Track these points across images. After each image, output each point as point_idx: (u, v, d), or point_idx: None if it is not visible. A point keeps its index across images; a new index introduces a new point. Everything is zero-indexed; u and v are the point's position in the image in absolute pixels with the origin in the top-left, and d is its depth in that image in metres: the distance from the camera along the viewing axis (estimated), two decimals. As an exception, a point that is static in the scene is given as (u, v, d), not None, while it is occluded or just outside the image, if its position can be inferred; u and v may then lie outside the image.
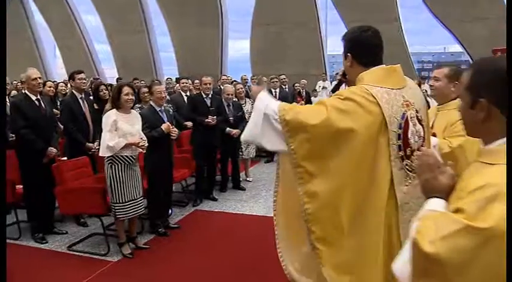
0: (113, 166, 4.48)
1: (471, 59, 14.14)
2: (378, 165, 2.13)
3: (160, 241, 5.07)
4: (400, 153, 2.15)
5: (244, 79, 11.75)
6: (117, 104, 4.58)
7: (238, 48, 27.55)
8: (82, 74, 5.71)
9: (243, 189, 7.33)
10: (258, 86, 2.44)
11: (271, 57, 16.28)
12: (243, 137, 2.35)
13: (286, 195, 2.36)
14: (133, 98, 4.66)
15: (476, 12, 13.59)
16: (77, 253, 4.77)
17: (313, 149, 2.11)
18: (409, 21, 14.81)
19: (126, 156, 4.50)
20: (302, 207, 2.17)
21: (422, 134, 2.26)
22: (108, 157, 4.47)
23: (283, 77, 10.45)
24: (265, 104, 2.23)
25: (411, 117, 2.20)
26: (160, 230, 5.23)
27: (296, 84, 11.27)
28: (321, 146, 2.11)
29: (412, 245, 1.33)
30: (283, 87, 10.17)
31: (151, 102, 5.25)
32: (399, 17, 14.78)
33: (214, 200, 6.70)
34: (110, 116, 4.50)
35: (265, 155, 9.78)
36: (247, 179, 7.90)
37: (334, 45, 24.89)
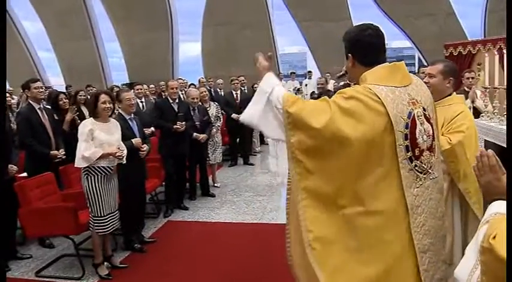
0: (89, 178, 4.16)
1: (421, 54, 14.55)
2: (382, 168, 2.02)
3: (137, 258, 4.75)
4: (408, 154, 2.07)
5: (202, 82, 11.51)
6: (94, 113, 4.28)
7: (186, 51, 27.19)
8: (38, 83, 5.30)
9: (213, 195, 7.13)
10: (266, 61, 2.31)
11: (223, 58, 16.14)
12: (241, 117, 2.30)
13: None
14: (112, 106, 4.34)
15: (424, 9, 14.00)
16: (47, 279, 4.36)
17: (313, 146, 2.04)
18: (354, 19, 15.03)
19: (103, 167, 4.19)
20: (299, 203, 2.10)
21: (431, 132, 2.19)
22: (84, 168, 4.15)
23: (242, 78, 10.28)
24: (271, 87, 2.18)
25: (418, 116, 2.12)
26: (136, 245, 4.91)
27: (255, 86, 11.13)
28: (322, 145, 2.03)
29: (483, 251, 1.25)
30: (243, 88, 9.99)
31: (120, 111, 4.91)
32: (350, 16, 14.98)
33: (186, 209, 6.45)
34: (86, 125, 4.20)
35: (229, 159, 9.61)
36: (215, 184, 7.71)
37: (283, 45, 25.09)
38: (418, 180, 2.09)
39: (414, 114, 2.09)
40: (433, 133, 2.20)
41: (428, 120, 2.17)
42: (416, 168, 2.09)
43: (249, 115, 2.25)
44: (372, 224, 2.02)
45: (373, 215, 2.02)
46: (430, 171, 2.15)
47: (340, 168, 2.01)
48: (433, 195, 2.17)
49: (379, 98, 2.00)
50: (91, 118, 4.30)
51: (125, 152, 4.38)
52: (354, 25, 2.33)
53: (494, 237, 1.23)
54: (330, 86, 10.62)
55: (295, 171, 2.09)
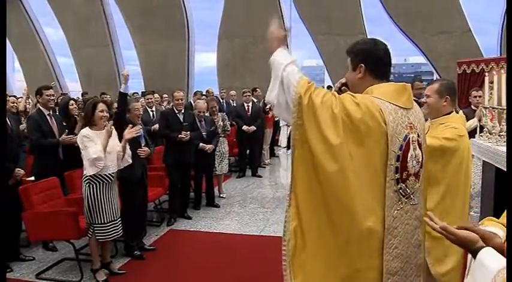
0: (91, 186, 4.24)
1: (436, 71, 14.46)
2: (369, 184, 2.03)
3: (136, 265, 4.82)
4: (397, 175, 2.07)
5: (211, 92, 11.60)
6: (90, 121, 4.36)
7: (201, 61, 27.46)
8: (50, 91, 5.47)
9: (217, 206, 7.17)
10: (279, 31, 2.19)
11: (239, 70, 16.24)
12: (266, 99, 2.18)
13: None
14: (108, 115, 4.45)
15: (440, 26, 13.96)
16: (47, 281, 4.47)
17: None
18: (369, 34, 15.03)
19: (105, 174, 4.27)
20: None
21: (420, 159, 2.19)
22: (86, 176, 4.23)
23: (259, 92, 10.42)
24: (284, 64, 2.08)
25: (413, 141, 2.13)
26: (135, 252, 4.98)
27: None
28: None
29: None
30: (255, 101, 9.98)
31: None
32: (365, 30, 15.00)
33: (189, 218, 6.49)
34: (84, 134, 4.27)
35: (237, 170, 9.66)
36: (221, 195, 7.75)
37: (301, 58, 25.22)
38: (399, 203, 2.10)
39: (409, 138, 2.11)
40: (422, 161, 2.21)
41: (420, 147, 2.19)
42: (400, 190, 2.09)
43: (269, 91, 2.13)
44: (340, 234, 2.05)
45: (347, 228, 2.03)
46: (412, 196, 2.15)
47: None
48: (411, 221, 2.16)
49: (383, 114, 2.01)
50: (86, 128, 4.35)
51: (129, 151, 4.50)
52: (367, 38, 2.33)
53: None
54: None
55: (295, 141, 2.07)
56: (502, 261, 1.37)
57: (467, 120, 5.72)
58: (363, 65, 2.17)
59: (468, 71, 10.21)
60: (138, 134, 4.49)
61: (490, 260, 1.40)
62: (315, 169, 2.02)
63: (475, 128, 5.29)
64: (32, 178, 5.24)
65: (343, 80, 2.41)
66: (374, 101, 2.03)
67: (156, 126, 6.80)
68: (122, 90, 4.96)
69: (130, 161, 4.56)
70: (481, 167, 4.19)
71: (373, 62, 2.18)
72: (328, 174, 1.99)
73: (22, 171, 4.80)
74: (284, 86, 2.05)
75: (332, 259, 2.05)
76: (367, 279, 2.06)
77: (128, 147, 4.51)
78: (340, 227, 2.03)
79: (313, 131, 1.98)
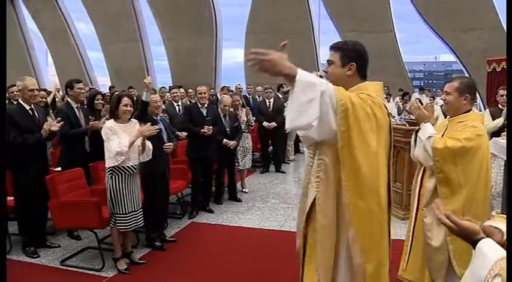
0: (114, 176, 4.34)
1: (465, 69, 14.17)
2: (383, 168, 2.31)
3: (156, 255, 4.92)
4: (391, 162, 2.41)
5: (239, 88, 11.63)
6: (115, 114, 4.46)
7: (229, 57, 27.68)
8: (81, 84, 5.60)
9: (239, 200, 7.22)
10: (276, 54, 2.15)
11: (265, 66, 16.22)
12: (288, 125, 2.10)
13: None
14: (132, 109, 4.52)
15: (470, 23, 13.66)
16: (70, 268, 4.60)
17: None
18: (399, 31, 14.86)
19: (127, 166, 4.37)
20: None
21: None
22: (108, 168, 4.34)
23: (285, 87, 10.30)
24: (316, 82, 2.06)
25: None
26: (156, 243, 5.08)
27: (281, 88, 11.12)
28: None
29: None
30: (280, 97, 9.95)
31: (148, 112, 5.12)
32: (394, 28, 14.82)
33: (211, 212, 6.57)
34: (108, 126, 4.37)
35: (260, 166, 9.70)
36: (243, 190, 7.80)
37: (326, 55, 25.07)
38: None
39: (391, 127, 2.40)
40: None
41: None
42: (390, 172, 2.40)
43: (297, 113, 2.07)
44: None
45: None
46: None
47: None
48: None
49: (386, 109, 2.30)
50: (111, 120, 4.46)
51: (150, 145, 4.56)
52: (353, 40, 2.53)
53: None
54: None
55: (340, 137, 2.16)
56: (501, 251, 1.39)
57: (494, 119, 5.62)
58: (354, 63, 2.38)
59: (498, 69, 9.96)
60: (155, 133, 4.51)
61: (490, 249, 1.43)
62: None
63: (503, 127, 5.19)
64: (59, 169, 5.42)
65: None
66: (378, 98, 2.29)
67: (182, 134, 6.89)
68: (143, 99, 5.01)
69: (150, 157, 4.62)
70: (503, 167, 4.12)
71: (363, 62, 2.42)
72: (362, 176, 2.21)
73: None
74: (326, 99, 2.05)
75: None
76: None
77: (149, 142, 4.59)
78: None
79: (356, 133, 2.13)
